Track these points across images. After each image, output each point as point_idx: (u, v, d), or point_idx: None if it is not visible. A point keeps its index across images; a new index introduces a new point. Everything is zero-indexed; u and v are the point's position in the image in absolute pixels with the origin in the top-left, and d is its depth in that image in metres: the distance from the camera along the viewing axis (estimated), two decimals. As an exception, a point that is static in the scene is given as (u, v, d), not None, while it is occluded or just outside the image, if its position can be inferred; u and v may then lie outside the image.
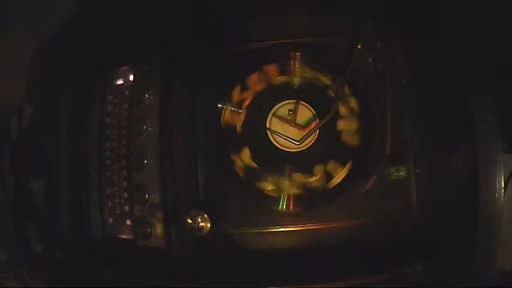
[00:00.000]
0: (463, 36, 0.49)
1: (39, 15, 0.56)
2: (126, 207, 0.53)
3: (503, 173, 0.47)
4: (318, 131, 0.53)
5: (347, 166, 0.54)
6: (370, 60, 0.54)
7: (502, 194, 0.47)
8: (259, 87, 0.56)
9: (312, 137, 0.53)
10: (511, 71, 0.48)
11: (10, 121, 0.58)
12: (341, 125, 0.55)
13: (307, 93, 0.55)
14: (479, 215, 0.46)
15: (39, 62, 0.58)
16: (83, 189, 0.55)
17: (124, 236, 0.53)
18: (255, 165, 0.55)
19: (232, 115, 0.56)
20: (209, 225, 0.50)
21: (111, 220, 0.54)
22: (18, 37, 0.57)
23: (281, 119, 0.54)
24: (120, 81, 0.56)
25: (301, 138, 0.53)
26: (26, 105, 0.58)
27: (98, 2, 0.55)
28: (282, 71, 0.57)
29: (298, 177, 0.54)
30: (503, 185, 0.47)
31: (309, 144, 0.54)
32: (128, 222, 0.53)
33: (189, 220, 0.49)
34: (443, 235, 0.49)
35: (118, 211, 0.54)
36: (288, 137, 0.53)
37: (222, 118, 0.56)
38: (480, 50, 0.48)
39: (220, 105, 0.56)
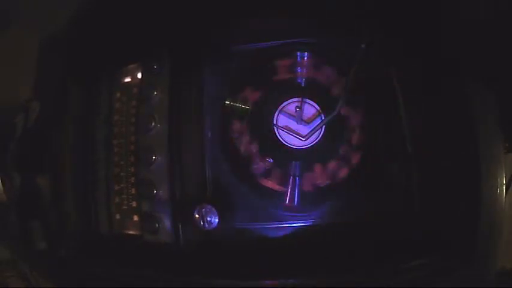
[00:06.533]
0: (464, 35, 0.50)
1: (47, 12, 0.56)
2: (134, 203, 0.53)
3: (504, 173, 0.47)
4: (323, 128, 0.54)
5: (352, 163, 0.55)
6: (373, 59, 0.55)
7: (504, 193, 0.47)
8: (266, 85, 0.57)
9: (317, 134, 0.54)
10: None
11: (17, 118, 0.59)
12: (345, 123, 0.55)
13: (314, 91, 0.56)
14: (480, 215, 0.47)
15: (47, 59, 0.58)
16: (89, 186, 0.56)
17: (131, 232, 0.54)
18: (261, 161, 0.55)
19: (240, 112, 0.57)
20: (217, 220, 0.50)
21: (118, 216, 0.55)
22: (26, 34, 0.58)
23: (288, 116, 0.55)
24: (128, 79, 0.56)
25: (307, 134, 0.54)
26: (33, 102, 0.59)
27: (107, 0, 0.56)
28: (289, 70, 0.57)
29: (304, 173, 0.55)
30: (504, 185, 0.47)
31: (315, 141, 0.54)
32: (135, 217, 0.53)
33: (196, 215, 0.50)
34: (444, 234, 0.49)
35: (125, 207, 0.54)
36: (294, 134, 0.54)
37: (229, 115, 0.57)
38: (481, 49, 0.49)
39: (228, 103, 0.57)
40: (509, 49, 0.48)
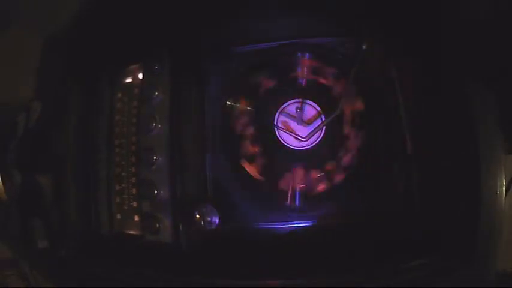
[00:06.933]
0: (464, 35, 0.50)
1: (47, 12, 0.56)
2: (135, 203, 0.53)
3: (504, 174, 0.47)
4: (324, 128, 0.55)
5: (352, 163, 0.55)
6: (374, 60, 0.55)
7: (503, 194, 0.47)
8: (267, 85, 0.57)
9: (318, 134, 0.55)
10: (512, 71, 0.49)
11: (18, 117, 0.59)
12: (346, 123, 0.55)
13: (314, 92, 0.56)
14: (480, 215, 0.47)
15: (48, 59, 0.58)
16: (90, 186, 0.56)
17: (132, 232, 0.54)
18: (262, 161, 0.56)
19: (241, 112, 0.57)
20: (217, 220, 0.50)
21: (119, 216, 0.55)
22: (26, 34, 0.58)
23: (288, 116, 0.55)
24: (129, 79, 0.56)
25: (307, 135, 0.54)
26: (34, 102, 0.59)
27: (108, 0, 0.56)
28: (289, 70, 0.58)
29: (304, 174, 0.55)
30: (504, 186, 0.47)
31: (315, 142, 0.55)
32: (136, 218, 0.53)
33: (197, 215, 0.50)
34: (444, 234, 0.49)
35: (126, 207, 0.54)
36: (295, 134, 0.54)
37: (230, 115, 0.57)
38: (481, 49, 0.49)
39: (229, 103, 0.57)
40: (509, 49, 0.48)
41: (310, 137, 0.54)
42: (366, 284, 0.49)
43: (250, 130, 0.57)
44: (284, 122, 0.56)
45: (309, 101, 0.55)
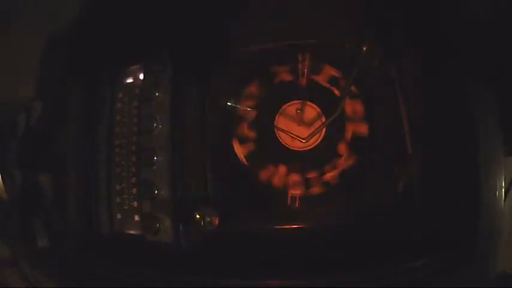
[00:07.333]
0: (464, 36, 0.50)
1: (47, 12, 0.56)
2: (135, 203, 0.53)
3: (504, 176, 0.47)
4: (324, 130, 0.55)
5: (352, 164, 0.55)
6: (375, 61, 0.55)
7: (503, 195, 0.47)
8: (268, 86, 0.58)
9: (318, 136, 0.55)
10: (512, 71, 0.49)
11: (18, 117, 0.59)
12: (346, 124, 0.56)
13: (315, 93, 0.56)
14: (480, 215, 0.47)
15: (48, 59, 0.58)
16: (91, 186, 0.56)
17: (132, 232, 0.54)
18: (262, 162, 0.56)
19: (241, 113, 0.57)
20: (217, 220, 0.50)
21: (119, 216, 0.54)
22: (26, 34, 0.58)
23: (289, 118, 0.56)
24: (130, 80, 0.56)
25: (308, 136, 0.54)
26: (35, 102, 0.59)
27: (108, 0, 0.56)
28: (291, 71, 0.58)
29: (305, 174, 0.55)
30: (503, 188, 0.47)
31: (316, 143, 0.55)
32: (136, 217, 0.53)
33: (197, 215, 0.50)
34: (444, 234, 0.49)
35: (126, 207, 0.54)
36: (295, 135, 0.55)
37: (231, 116, 0.57)
38: (481, 49, 0.49)
39: (229, 104, 0.57)
40: (509, 49, 0.48)
41: (311, 138, 0.54)
42: (366, 284, 0.49)
43: (251, 131, 0.57)
44: (284, 123, 0.56)
45: (309, 102, 0.56)
